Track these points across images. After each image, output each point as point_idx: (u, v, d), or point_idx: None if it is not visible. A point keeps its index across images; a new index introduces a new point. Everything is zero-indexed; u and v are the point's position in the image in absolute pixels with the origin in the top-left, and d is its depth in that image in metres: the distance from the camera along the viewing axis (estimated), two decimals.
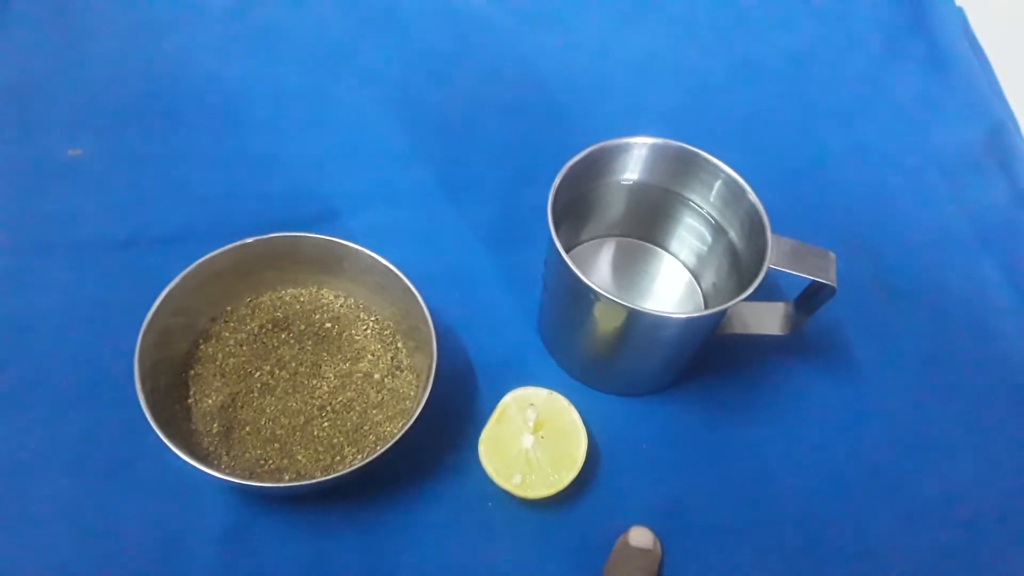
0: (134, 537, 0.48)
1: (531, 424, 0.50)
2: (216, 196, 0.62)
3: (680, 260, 0.59)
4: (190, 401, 0.50)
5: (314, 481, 0.45)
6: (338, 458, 0.49)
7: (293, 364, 0.53)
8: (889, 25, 0.83)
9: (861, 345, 0.60)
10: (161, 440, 0.44)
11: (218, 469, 0.46)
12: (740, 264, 0.52)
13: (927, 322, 0.62)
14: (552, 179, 0.49)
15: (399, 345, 0.54)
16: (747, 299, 0.46)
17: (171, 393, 0.50)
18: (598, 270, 0.59)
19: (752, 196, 0.50)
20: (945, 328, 0.62)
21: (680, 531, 0.51)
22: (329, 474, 0.47)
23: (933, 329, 0.62)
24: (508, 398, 0.51)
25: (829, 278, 0.49)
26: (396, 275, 0.51)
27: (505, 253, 0.62)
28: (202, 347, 0.52)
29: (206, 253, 0.51)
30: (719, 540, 0.52)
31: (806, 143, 0.73)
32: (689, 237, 0.57)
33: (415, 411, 0.47)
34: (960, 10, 0.84)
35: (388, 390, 0.52)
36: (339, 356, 0.53)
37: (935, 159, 0.73)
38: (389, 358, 0.54)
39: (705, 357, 0.56)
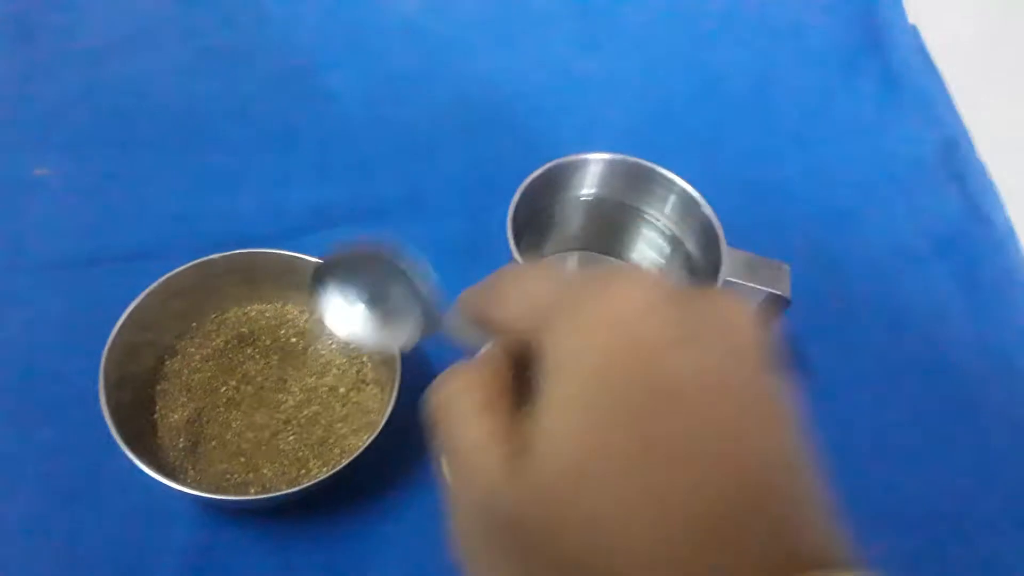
0: (99, 553, 0.48)
1: None
2: (181, 214, 0.63)
3: None
4: (156, 416, 0.51)
5: (279, 494, 0.45)
6: (303, 471, 0.50)
7: (259, 379, 0.53)
8: (845, 44, 0.85)
9: (819, 356, 0.62)
10: (126, 455, 0.44)
11: (184, 483, 0.47)
12: (697, 276, 0.53)
13: (883, 333, 0.64)
14: (514, 193, 0.51)
15: (364, 359, 0.55)
16: None
17: (137, 409, 0.50)
18: None
19: (706, 208, 0.51)
20: (900, 338, 0.64)
21: None
22: (294, 487, 0.48)
23: (889, 339, 0.63)
24: None
25: (783, 289, 0.50)
26: None
27: (470, 268, 0.61)
28: (168, 363, 0.53)
29: (169, 269, 0.52)
30: None
31: (764, 159, 0.74)
32: (648, 250, 0.58)
33: (380, 424, 0.47)
34: (914, 28, 0.86)
35: (353, 403, 0.53)
36: (304, 370, 0.54)
37: (890, 173, 0.74)
38: (354, 372, 0.54)
39: None
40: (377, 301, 0.41)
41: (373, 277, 0.40)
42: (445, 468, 0.27)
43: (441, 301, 0.39)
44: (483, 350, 0.30)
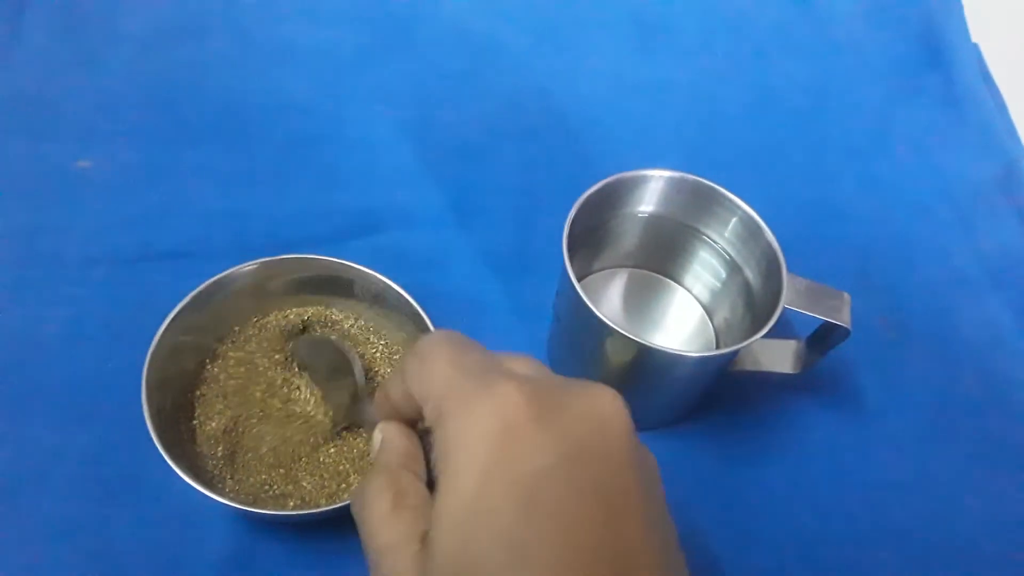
0: (134, 559, 0.47)
1: None
2: (226, 212, 0.62)
3: (693, 295, 0.59)
4: (195, 423, 0.50)
5: (319, 510, 0.44)
6: (344, 485, 0.49)
7: (300, 386, 0.52)
8: (905, 60, 0.82)
9: (870, 385, 0.60)
10: (165, 462, 0.43)
11: (222, 494, 0.46)
12: (754, 302, 0.52)
13: (936, 364, 0.62)
14: (565, 206, 0.49)
15: None
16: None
17: (176, 414, 0.50)
18: (609, 301, 0.59)
19: (769, 235, 0.49)
20: (954, 371, 0.62)
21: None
22: (334, 501, 0.47)
23: (942, 371, 0.61)
24: None
25: (843, 320, 0.48)
26: (407, 301, 0.51)
27: (516, 280, 0.61)
28: (208, 367, 0.52)
29: (215, 270, 0.51)
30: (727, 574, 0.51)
31: (818, 177, 0.72)
32: (703, 272, 0.57)
33: None
34: (975, 46, 0.84)
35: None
36: (348, 379, 0.53)
37: (947, 196, 0.72)
38: None
39: (714, 393, 0.55)
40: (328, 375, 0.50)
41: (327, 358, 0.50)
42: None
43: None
44: (380, 428, 0.36)
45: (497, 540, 0.26)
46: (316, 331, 0.54)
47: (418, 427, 0.36)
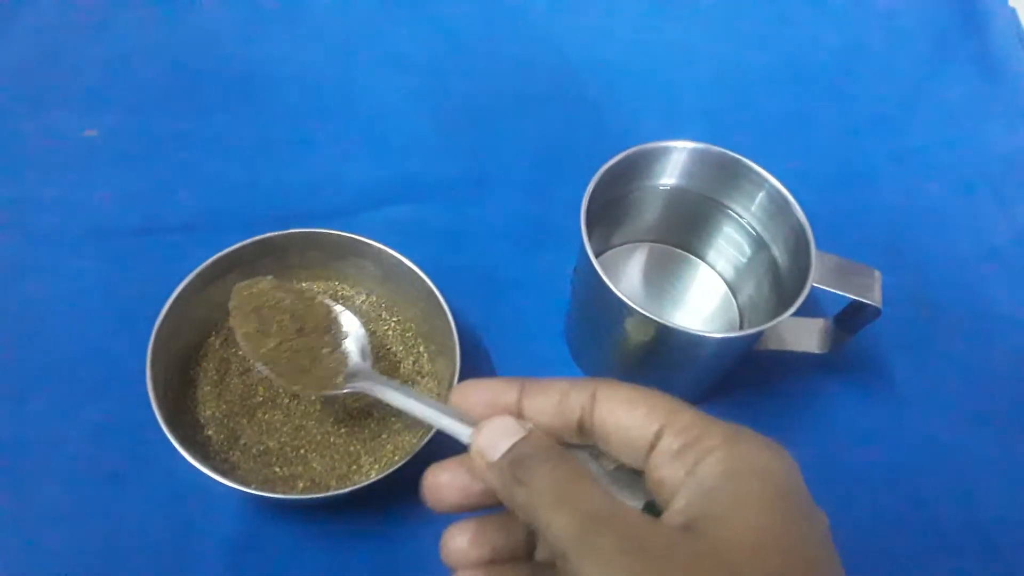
0: (142, 538, 0.46)
1: None
2: (235, 183, 0.60)
3: (716, 271, 0.57)
4: (202, 400, 0.48)
5: (328, 494, 0.43)
6: (354, 467, 0.47)
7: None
8: (938, 25, 0.79)
9: (900, 365, 0.58)
10: (171, 442, 0.42)
11: (231, 475, 0.44)
12: (781, 279, 0.50)
13: (968, 343, 0.60)
14: (583, 177, 0.47)
15: (420, 349, 0.52)
16: None
17: (184, 391, 0.48)
18: (630, 277, 0.57)
19: (798, 210, 0.47)
20: (987, 350, 0.59)
21: None
22: (344, 484, 0.46)
23: (974, 350, 0.59)
24: None
25: (874, 298, 0.46)
26: (420, 277, 0.49)
27: (532, 254, 0.60)
28: (214, 343, 0.50)
29: (223, 243, 0.49)
30: None
31: (847, 147, 0.70)
32: (728, 248, 0.55)
33: None
34: (1013, 11, 0.81)
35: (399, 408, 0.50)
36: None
37: (982, 168, 0.70)
38: (411, 362, 0.52)
39: (738, 373, 0.53)
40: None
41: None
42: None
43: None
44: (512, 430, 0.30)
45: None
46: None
47: None
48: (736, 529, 0.25)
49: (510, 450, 0.29)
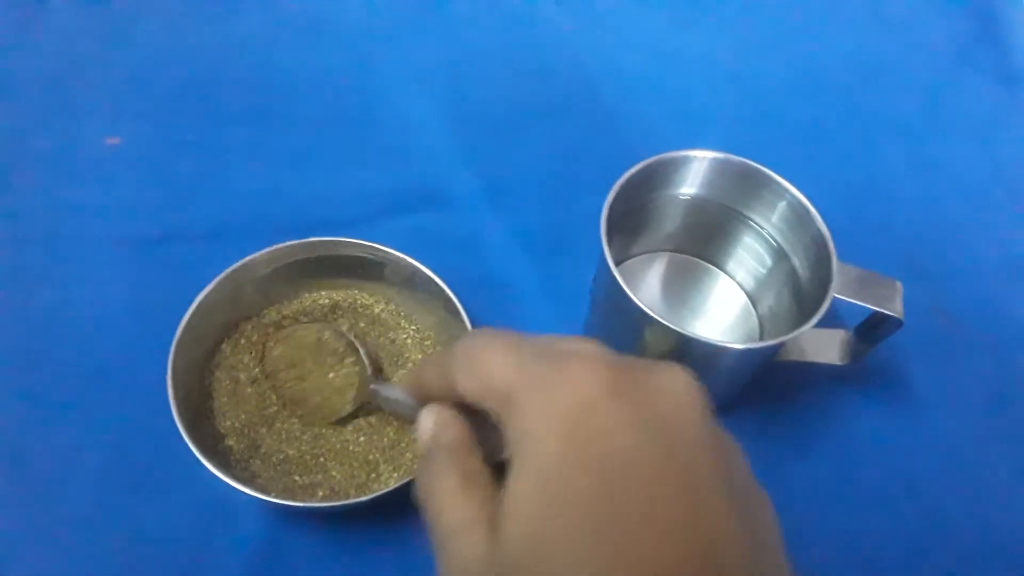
0: (162, 549, 0.46)
1: None
2: (256, 191, 0.61)
3: (736, 281, 0.57)
4: (223, 408, 0.49)
5: (349, 502, 0.43)
6: (373, 475, 0.47)
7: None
8: (957, 35, 0.79)
9: (921, 377, 0.57)
10: (192, 451, 0.42)
11: (251, 484, 0.44)
12: (801, 290, 0.50)
13: (990, 355, 0.59)
14: (602, 186, 0.47)
15: None
16: None
17: (203, 400, 0.48)
18: (649, 286, 0.57)
19: (819, 221, 0.47)
20: (1008, 362, 0.59)
21: None
22: (364, 491, 0.46)
23: (996, 362, 0.59)
24: None
25: (896, 310, 0.46)
26: (439, 285, 0.49)
27: (551, 263, 0.60)
28: (235, 351, 0.51)
29: (243, 251, 0.49)
30: None
31: (867, 157, 0.70)
32: (748, 258, 0.54)
33: None
34: None
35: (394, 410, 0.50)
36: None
37: (1002, 179, 0.69)
38: None
39: (757, 384, 0.53)
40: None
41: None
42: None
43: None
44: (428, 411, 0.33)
45: (576, 519, 0.25)
46: (333, 318, 0.53)
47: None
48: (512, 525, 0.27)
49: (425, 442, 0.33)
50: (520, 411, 0.28)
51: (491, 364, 0.29)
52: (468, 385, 0.30)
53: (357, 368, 0.48)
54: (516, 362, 0.29)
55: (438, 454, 0.31)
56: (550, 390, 0.27)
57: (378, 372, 0.51)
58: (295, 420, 0.49)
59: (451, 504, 0.29)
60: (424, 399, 0.34)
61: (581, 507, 0.25)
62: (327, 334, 0.49)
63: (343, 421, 0.49)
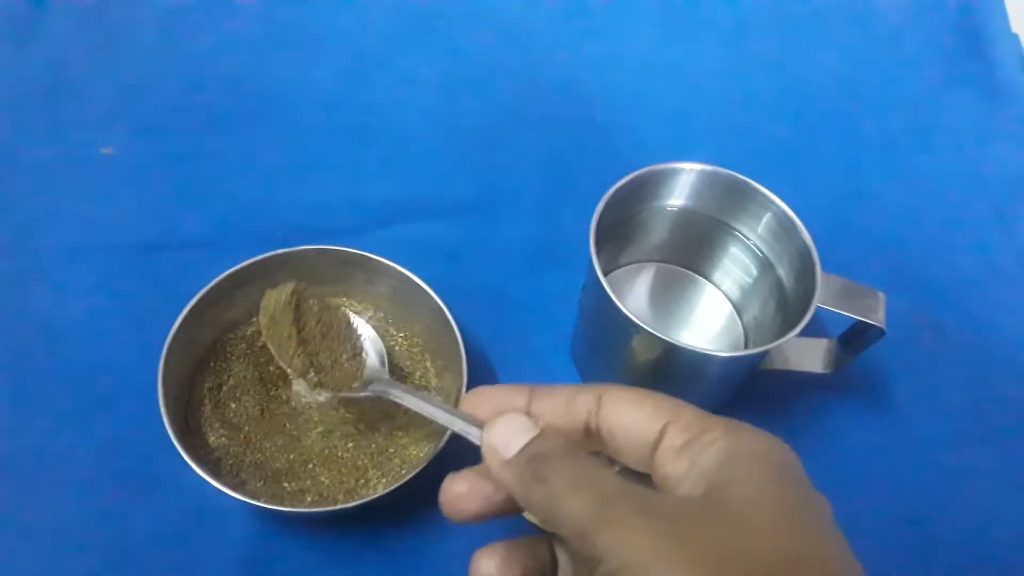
0: (151, 555, 0.47)
1: None
2: (249, 201, 0.61)
3: (722, 291, 0.57)
4: (212, 414, 0.49)
5: (336, 508, 0.43)
6: (362, 481, 0.48)
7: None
8: (943, 50, 0.80)
9: (904, 385, 0.58)
10: (182, 457, 0.43)
11: (240, 489, 0.45)
12: (786, 300, 0.50)
13: (973, 364, 0.60)
14: (592, 196, 0.48)
15: (427, 364, 0.53)
16: None
17: (194, 406, 0.49)
18: (636, 296, 0.57)
19: (803, 232, 0.48)
20: (991, 372, 0.60)
21: None
22: (352, 497, 0.46)
23: (979, 372, 0.60)
24: None
25: (878, 319, 0.47)
26: (428, 294, 0.50)
27: (541, 273, 0.60)
28: (224, 358, 0.51)
29: (236, 259, 0.50)
30: None
31: (852, 169, 0.70)
32: (734, 268, 0.55)
33: (443, 435, 0.45)
34: (1016, 37, 0.81)
35: (415, 412, 0.50)
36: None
37: (986, 191, 0.70)
38: (417, 377, 0.52)
39: (743, 393, 0.54)
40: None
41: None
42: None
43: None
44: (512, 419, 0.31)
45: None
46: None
47: None
48: (739, 492, 0.27)
49: (527, 447, 0.29)
50: (723, 443, 0.29)
51: (680, 406, 0.31)
52: (642, 423, 0.30)
53: (365, 362, 0.48)
54: (695, 410, 0.30)
55: (558, 453, 0.29)
56: (741, 429, 0.30)
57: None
58: (284, 427, 0.49)
59: (602, 477, 0.28)
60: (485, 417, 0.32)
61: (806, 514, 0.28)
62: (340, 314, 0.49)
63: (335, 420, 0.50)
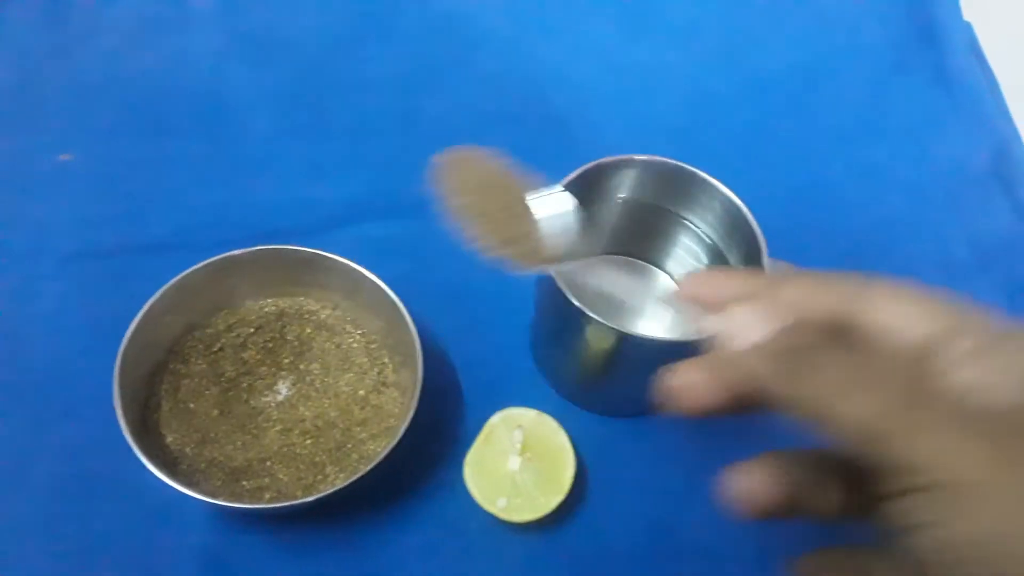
0: (113, 554, 0.47)
1: (518, 446, 0.49)
2: (207, 204, 0.62)
3: (675, 280, 0.58)
4: (170, 415, 0.49)
5: (294, 503, 0.44)
6: (320, 477, 0.48)
7: (273, 379, 0.52)
8: (896, 40, 0.81)
9: None
10: (140, 459, 0.43)
11: (198, 487, 0.45)
12: None
13: None
14: None
15: (385, 360, 0.53)
16: None
17: (152, 407, 0.49)
18: (591, 288, 0.57)
19: (750, 219, 0.48)
20: None
21: (668, 554, 0.51)
22: (311, 493, 0.46)
23: None
24: (495, 418, 0.51)
25: None
26: (384, 290, 0.50)
27: (499, 268, 0.61)
28: (181, 359, 0.51)
29: (194, 262, 0.50)
30: (707, 563, 0.51)
31: (808, 160, 0.71)
32: (686, 257, 0.56)
33: (400, 430, 0.46)
34: (968, 25, 0.83)
35: (372, 407, 0.51)
36: (322, 368, 0.53)
37: (939, 179, 0.71)
38: (375, 373, 0.53)
39: None
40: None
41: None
42: None
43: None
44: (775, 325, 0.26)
45: None
46: (294, 324, 0.54)
47: None
48: None
49: (782, 336, 0.25)
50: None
51: (962, 306, 0.26)
52: (917, 323, 0.25)
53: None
54: (979, 310, 0.26)
55: (825, 343, 0.25)
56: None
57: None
58: (242, 426, 0.50)
59: (886, 373, 0.24)
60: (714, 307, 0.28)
61: None
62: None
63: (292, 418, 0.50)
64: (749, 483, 0.27)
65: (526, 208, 0.43)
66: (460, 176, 0.44)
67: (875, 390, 0.23)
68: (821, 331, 0.25)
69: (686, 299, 0.29)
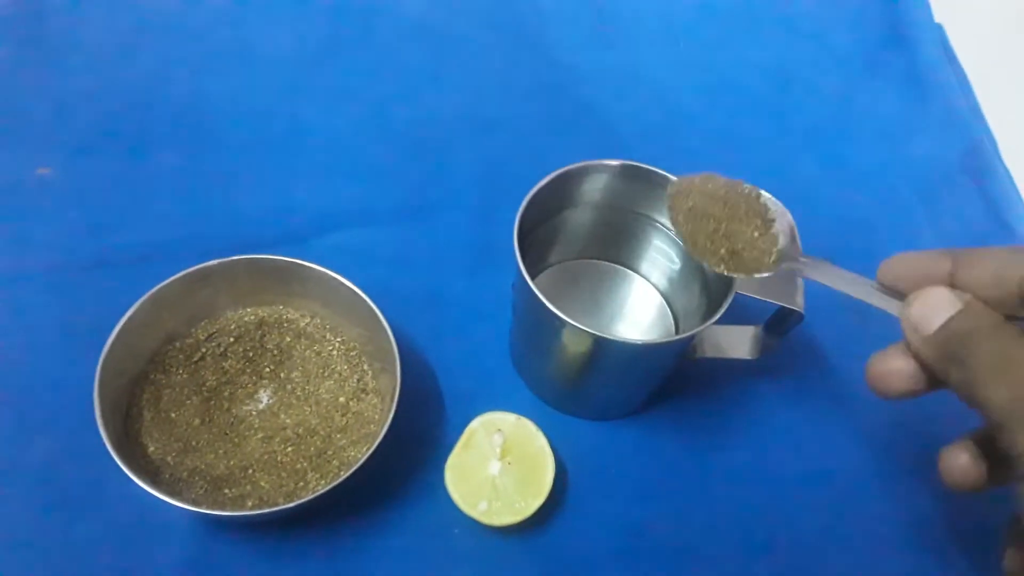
0: (95, 565, 0.47)
1: (498, 450, 0.50)
2: (185, 215, 0.62)
3: (651, 283, 0.59)
4: (152, 425, 0.50)
5: (276, 509, 0.44)
6: (301, 484, 0.49)
7: (254, 387, 0.53)
8: (867, 41, 0.83)
9: (833, 368, 0.60)
10: (122, 470, 0.43)
11: (180, 495, 0.46)
12: (709, 288, 0.52)
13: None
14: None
15: (365, 367, 0.54)
16: (718, 323, 0.46)
17: (133, 417, 0.50)
18: (567, 294, 0.59)
19: None
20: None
21: (649, 556, 0.51)
22: (292, 500, 0.46)
23: None
24: (476, 423, 0.51)
25: (797, 304, 0.48)
26: (362, 298, 0.51)
27: (477, 275, 0.61)
28: (162, 370, 0.52)
29: (172, 273, 0.51)
30: (688, 565, 0.51)
31: (781, 162, 0.72)
32: (660, 259, 0.57)
33: (379, 435, 0.46)
34: (939, 26, 0.84)
35: (353, 414, 0.52)
36: (302, 376, 0.53)
37: (911, 178, 0.72)
38: (355, 380, 0.53)
39: (676, 380, 0.55)
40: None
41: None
42: None
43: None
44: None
45: None
46: (275, 332, 0.54)
47: None
48: None
49: (947, 324, 0.27)
50: None
51: None
52: None
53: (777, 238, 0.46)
54: None
55: (981, 332, 0.27)
56: None
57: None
58: (223, 435, 0.50)
59: None
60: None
61: None
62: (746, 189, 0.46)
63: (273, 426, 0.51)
64: (961, 461, 0.31)
65: (753, 219, 0.45)
66: (691, 198, 0.45)
67: (1006, 381, 0.25)
68: (989, 313, 0.27)
69: (889, 282, 0.33)
